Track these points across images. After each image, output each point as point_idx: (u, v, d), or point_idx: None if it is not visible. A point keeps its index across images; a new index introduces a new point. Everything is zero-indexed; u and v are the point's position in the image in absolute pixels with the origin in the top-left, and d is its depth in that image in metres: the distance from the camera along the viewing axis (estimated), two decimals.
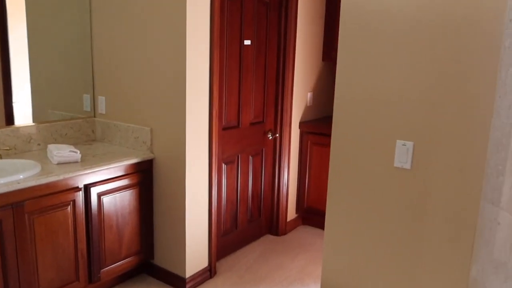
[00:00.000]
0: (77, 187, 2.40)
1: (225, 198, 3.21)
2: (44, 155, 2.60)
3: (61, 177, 2.29)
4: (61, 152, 2.45)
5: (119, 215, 2.65)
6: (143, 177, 2.77)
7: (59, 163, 2.44)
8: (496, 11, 1.49)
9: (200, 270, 2.94)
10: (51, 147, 2.54)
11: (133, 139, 2.89)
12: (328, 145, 3.60)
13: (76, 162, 2.50)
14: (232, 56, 3.04)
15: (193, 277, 2.88)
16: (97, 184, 2.49)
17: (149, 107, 2.80)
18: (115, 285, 2.82)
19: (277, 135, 3.57)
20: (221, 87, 2.97)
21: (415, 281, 1.82)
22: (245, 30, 3.09)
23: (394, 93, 1.77)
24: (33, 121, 2.82)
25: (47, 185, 2.24)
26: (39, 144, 2.77)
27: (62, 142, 2.88)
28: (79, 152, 2.51)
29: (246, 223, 3.48)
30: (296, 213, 3.90)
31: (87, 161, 2.54)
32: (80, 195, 2.41)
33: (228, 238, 3.31)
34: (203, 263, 2.96)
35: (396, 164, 1.79)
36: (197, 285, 2.91)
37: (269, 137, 3.51)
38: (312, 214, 3.86)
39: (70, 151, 2.48)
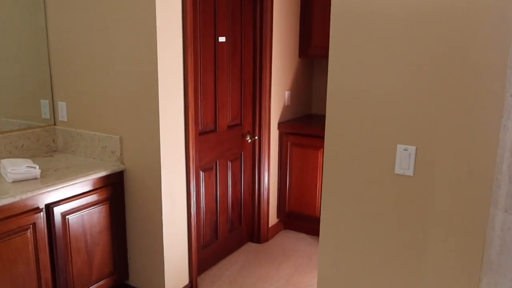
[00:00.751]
0: (38, 208, 2.15)
1: (204, 208, 2.99)
2: None
3: (17, 198, 2.05)
4: (17, 168, 2.20)
5: (88, 235, 2.41)
6: (113, 191, 2.54)
7: (14, 181, 2.20)
8: (505, 1, 1.35)
9: None
10: (4, 162, 2.29)
11: (100, 149, 2.63)
12: (308, 146, 3.54)
13: (35, 178, 2.26)
14: (207, 54, 2.81)
15: None
16: (60, 202, 2.25)
17: (118, 113, 2.56)
18: None
19: (256, 137, 3.37)
20: (196, 88, 2.74)
21: None
22: (219, 25, 2.87)
23: (393, 93, 1.61)
24: None
25: (0, 209, 1.99)
26: None
27: (18, 156, 2.62)
28: (37, 167, 2.29)
29: (227, 233, 3.27)
30: (278, 217, 3.75)
31: (48, 177, 2.29)
32: (41, 217, 2.16)
33: (209, 250, 3.10)
34: (183, 280, 2.78)
35: (397, 170, 1.66)
36: None
37: (248, 140, 3.30)
38: (294, 218, 3.74)
39: (28, 166, 2.25)
